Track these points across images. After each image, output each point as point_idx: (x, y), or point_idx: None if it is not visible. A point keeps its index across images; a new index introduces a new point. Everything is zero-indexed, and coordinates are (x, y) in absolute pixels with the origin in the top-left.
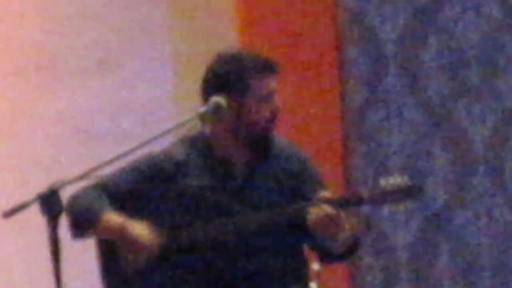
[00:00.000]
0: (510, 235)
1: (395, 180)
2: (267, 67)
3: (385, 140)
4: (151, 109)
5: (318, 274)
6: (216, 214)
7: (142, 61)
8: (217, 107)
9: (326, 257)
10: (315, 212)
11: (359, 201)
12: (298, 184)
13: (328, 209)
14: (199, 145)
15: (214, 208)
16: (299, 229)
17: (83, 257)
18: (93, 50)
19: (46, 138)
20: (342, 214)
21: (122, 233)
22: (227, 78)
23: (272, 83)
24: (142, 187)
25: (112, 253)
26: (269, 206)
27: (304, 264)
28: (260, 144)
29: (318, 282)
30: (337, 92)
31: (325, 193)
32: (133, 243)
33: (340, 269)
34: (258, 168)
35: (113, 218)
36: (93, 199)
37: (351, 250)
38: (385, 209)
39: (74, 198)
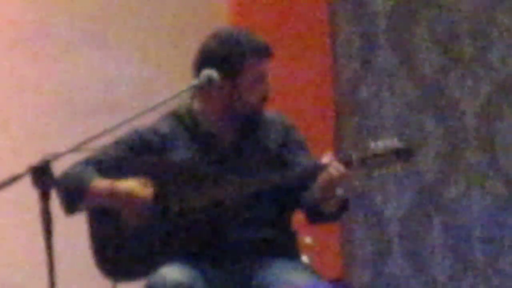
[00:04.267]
0: (502, 207)
1: (385, 142)
2: (263, 51)
3: (377, 114)
4: (143, 82)
5: (310, 247)
6: (203, 186)
7: (134, 34)
8: (209, 80)
9: (317, 217)
10: (330, 171)
11: (348, 164)
12: (283, 150)
13: (342, 168)
14: (185, 119)
15: (202, 180)
16: (295, 191)
17: (74, 231)
18: (85, 23)
19: (38, 111)
20: (349, 174)
21: (112, 193)
22: (223, 57)
23: (266, 65)
24: (131, 161)
25: (102, 223)
26: (256, 177)
27: (292, 236)
28: (248, 122)
29: (310, 255)
30: (329, 66)
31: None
32: (126, 200)
33: (332, 242)
34: (245, 142)
35: (101, 182)
36: (82, 172)
37: (340, 210)
38: (376, 174)
39: (64, 175)
